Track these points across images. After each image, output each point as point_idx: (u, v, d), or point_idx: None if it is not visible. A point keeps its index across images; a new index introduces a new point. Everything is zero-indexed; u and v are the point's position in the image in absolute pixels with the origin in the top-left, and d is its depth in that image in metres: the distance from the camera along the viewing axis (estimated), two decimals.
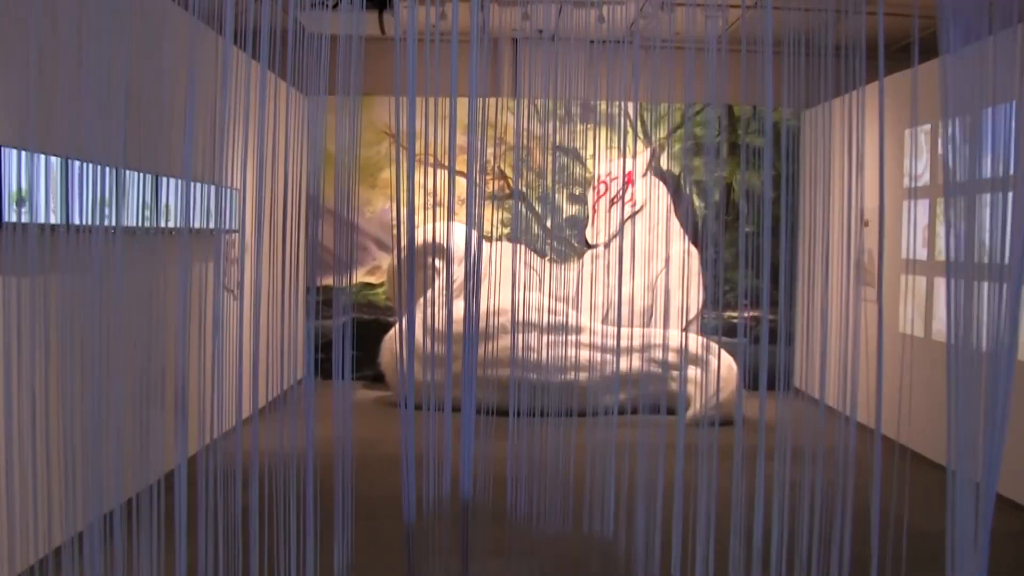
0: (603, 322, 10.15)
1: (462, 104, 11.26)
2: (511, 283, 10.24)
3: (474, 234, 9.87)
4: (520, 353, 8.57)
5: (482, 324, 8.85)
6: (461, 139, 10.67)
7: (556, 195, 10.40)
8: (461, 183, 10.44)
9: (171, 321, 6.23)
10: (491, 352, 8.68)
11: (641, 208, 10.39)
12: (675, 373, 8.84)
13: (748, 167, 10.39)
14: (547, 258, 10.35)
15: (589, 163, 10.39)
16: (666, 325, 10.62)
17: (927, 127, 7.94)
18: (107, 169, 3.73)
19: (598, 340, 8.86)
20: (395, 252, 9.57)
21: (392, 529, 5.41)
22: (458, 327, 8.95)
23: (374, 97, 10.30)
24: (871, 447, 7.92)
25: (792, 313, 10.60)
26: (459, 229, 9.63)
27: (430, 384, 8.76)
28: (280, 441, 7.47)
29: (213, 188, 6.72)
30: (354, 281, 10.42)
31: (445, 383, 8.84)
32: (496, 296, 9.49)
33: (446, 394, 9.04)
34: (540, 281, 10.33)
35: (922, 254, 8.05)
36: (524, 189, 10.39)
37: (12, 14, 5.07)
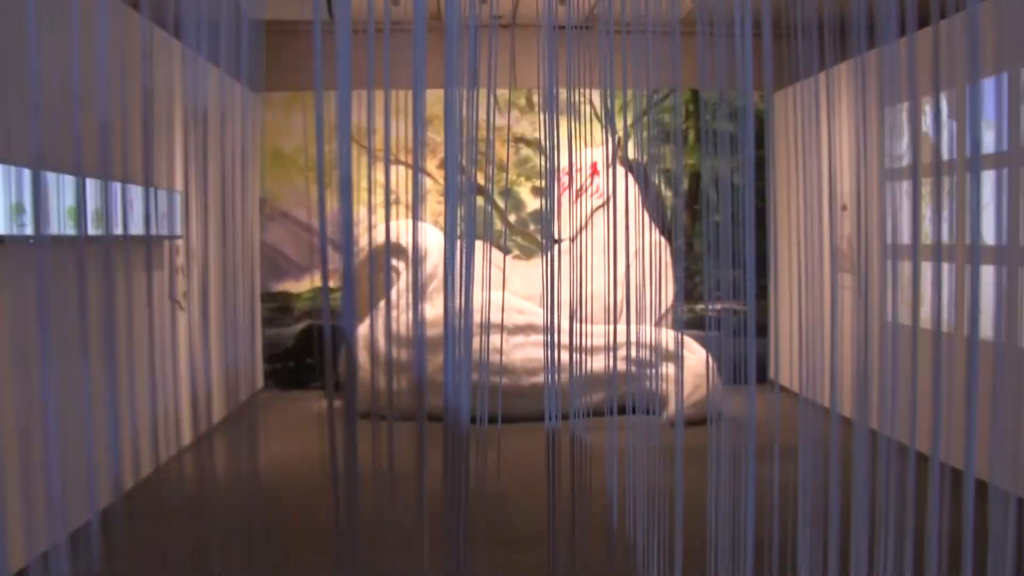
0: (572, 320, 9.98)
1: (421, 97, 10.96)
2: (479, 283, 10.02)
3: (438, 234, 9.62)
4: (487, 356, 8.40)
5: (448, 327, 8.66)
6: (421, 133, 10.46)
7: (518, 189, 10.24)
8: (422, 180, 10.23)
9: (113, 336, 5.99)
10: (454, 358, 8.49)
11: (607, 200, 10.25)
12: (651, 372, 8.71)
13: (715, 153, 10.27)
14: (511, 255, 10.18)
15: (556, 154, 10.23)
16: (639, 320, 10.47)
17: (906, 105, 7.86)
18: (24, 172, 3.50)
19: (567, 339, 8.71)
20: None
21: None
22: (425, 332, 8.72)
23: (326, 91, 10.10)
24: (856, 441, 7.79)
25: (766, 303, 10.51)
26: (416, 227, 9.43)
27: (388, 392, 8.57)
28: (235, 462, 7.19)
29: (150, 191, 6.48)
30: (311, 286, 10.20)
31: (415, 387, 8.65)
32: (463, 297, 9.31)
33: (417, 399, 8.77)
34: (504, 280, 10.16)
35: (906, 238, 7.98)
36: (486, 183, 10.23)
37: None
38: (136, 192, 6.03)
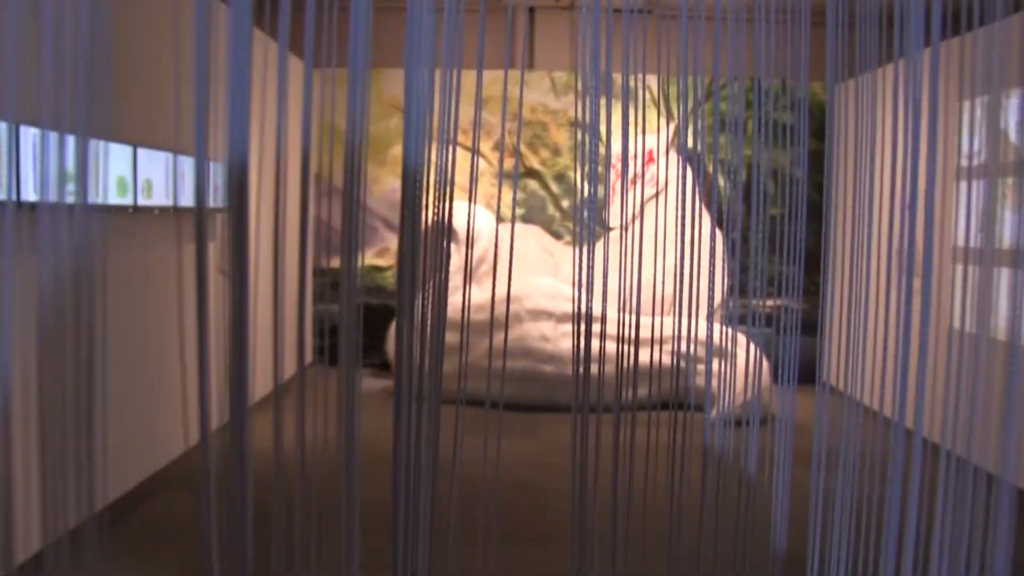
0: (621, 310, 9.98)
1: (473, 77, 11.01)
2: (527, 268, 10.07)
3: (490, 216, 9.67)
4: (533, 344, 8.43)
5: (495, 312, 8.70)
6: (472, 113, 10.50)
7: (575, 174, 10.24)
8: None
9: (159, 309, 6.09)
10: (501, 342, 8.53)
11: (663, 189, 10.23)
12: (699, 367, 8.69)
13: (775, 145, 10.20)
14: (563, 241, 10.20)
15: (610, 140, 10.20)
16: (689, 314, 10.48)
17: (985, 99, 7.73)
18: (68, 137, 3.57)
19: (617, 330, 8.70)
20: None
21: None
22: (473, 314, 8.76)
23: (383, 69, 10.15)
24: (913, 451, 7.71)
25: (819, 302, 10.42)
26: (467, 209, 9.46)
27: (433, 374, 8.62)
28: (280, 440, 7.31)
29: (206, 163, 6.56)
30: (362, 263, 10.29)
31: (457, 372, 8.69)
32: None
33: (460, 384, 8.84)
34: (556, 266, 10.18)
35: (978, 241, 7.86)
36: (540, 167, 10.23)
37: None
38: (188, 164, 6.12)
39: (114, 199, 4.95)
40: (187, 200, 6.09)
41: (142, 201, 5.35)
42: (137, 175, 5.21)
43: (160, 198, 5.66)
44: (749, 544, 5.48)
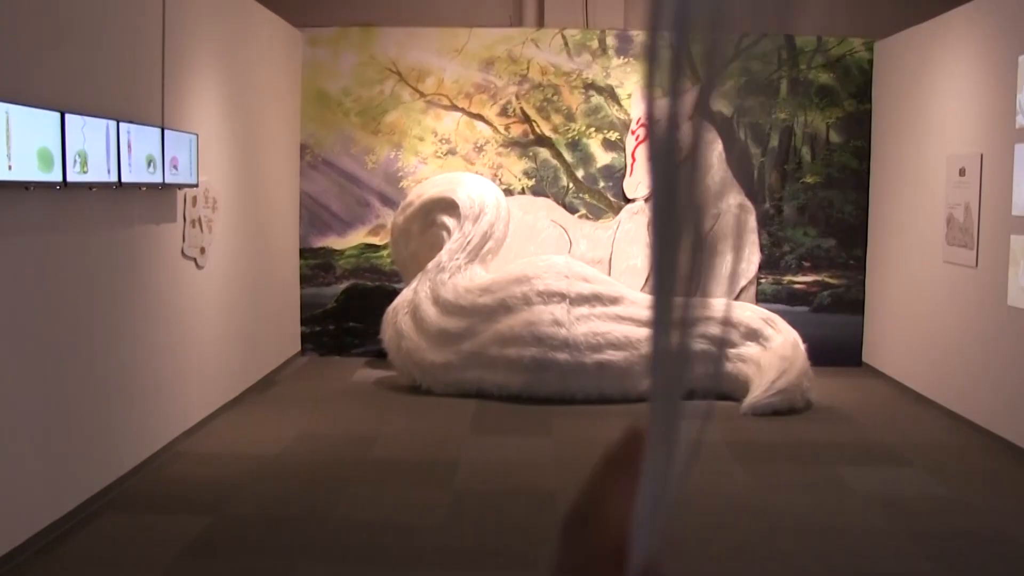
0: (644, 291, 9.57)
1: (478, 36, 10.52)
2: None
3: (495, 189, 9.25)
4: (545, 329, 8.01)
5: (502, 294, 8.29)
6: (477, 76, 10.07)
7: (588, 141, 9.79)
8: (478, 128, 9.84)
9: (119, 295, 5.65)
10: (510, 328, 8.11)
11: (687, 156, 9.74)
12: (731, 352, 8.23)
13: (810, 107, 9.74)
14: (577, 214, 9.76)
15: (626, 103, 9.76)
16: (718, 294, 10.02)
17: None
18: None
19: (639, 313, 8.26)
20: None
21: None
22: (477, 298, 8.39)
23: (376, 28, 9.70)
24: (968, 442, 7.26)
25: (862, 278, 10.00)
26: (471, 180, 9.01)
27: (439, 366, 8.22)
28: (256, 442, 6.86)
29: (165, 133, 6.08)
30: (355, 242, 9.87)
31: (460, 362, 8.30)
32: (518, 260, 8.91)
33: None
34: (570, 242, 9.74)
35: None
36: (551, 134, 9.78)
37: None
38: (138, 133, 5.63)
39: (34, 174, 4.40)
40: (137, 175, 5.62)
41: (74, 176, 4.84)
42: (66, 146, 4.73)
43: (99, 173, 5.15)
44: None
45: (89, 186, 5.08)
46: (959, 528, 5.41)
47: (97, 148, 5.07)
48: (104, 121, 5.15)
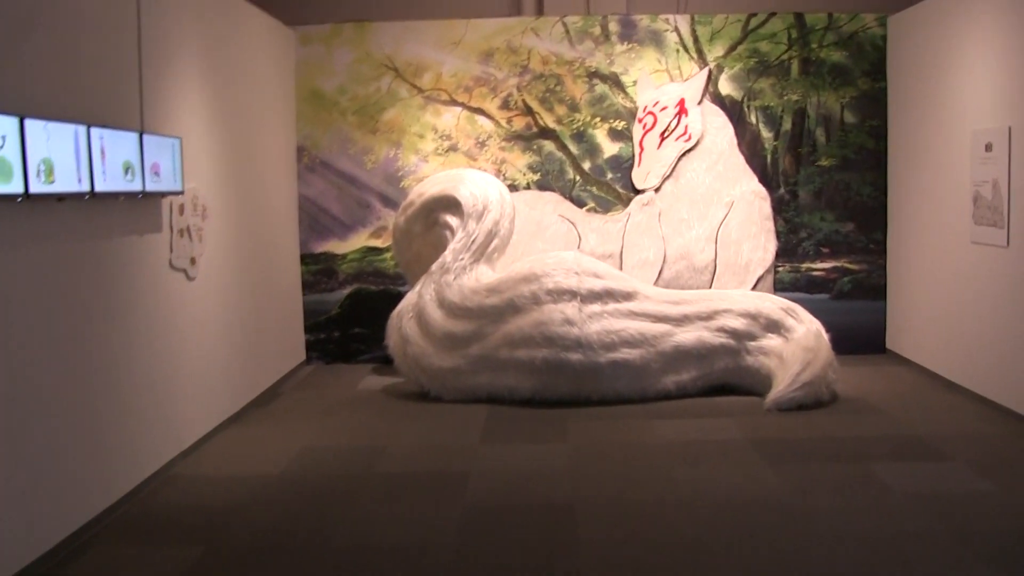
0: (658, 285, 9.23)
1: (476, 27, 10.21)
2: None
3: (499, 185, 8.94)
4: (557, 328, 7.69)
5: (510, 294, 7.97)
6: (476, 69, 9.75)
7: (593, 132, 9.46)
8: (479, 123, 9.52)
9: (72, 323, 5.28)
10: (520, 329, 7.78)
11: (697, 143, 9.43)
12: (752, 345, 7.88)
13: (822, 87, 9.39)
14: (585, 208, 9.44)
15: (632, 91, 9.42)
16: (736, 284, 9.69)
17: None
18: None
19: (654, 308, 7.93)
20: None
21: None
22: (484, 299, 8.06)
23: (370, 23, 9.39)
24: (1008, 431, 6.88)
25: (883, 262, 9.66)
26: (474, 176, 8.68)
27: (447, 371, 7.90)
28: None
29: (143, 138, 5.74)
30: (357, 245, 9.56)
31: (470, 367, 7.99)
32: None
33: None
34: (579, 237, 9.42)
35: None
36: (555, 125, 9.45)
37: None
38: (113, 138, 5.29)
39: None
40: (113, 183, 5.27)
41: (38, 187, 4.48)
42: (27, 154, 4.39)
43: (68, 182, 4.80)
44: None
45: (58, 197, 4.73)
46: (1012, 528, 5.04)
47: (65, 155, 4.72)
48: (72, 126, 4.80)
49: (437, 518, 5.39)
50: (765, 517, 5.27)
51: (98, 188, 5.08)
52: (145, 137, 5.66)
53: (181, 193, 6.22)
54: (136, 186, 5.54)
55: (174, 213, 6.34)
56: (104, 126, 5.23)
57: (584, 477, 6.01)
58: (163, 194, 5.99)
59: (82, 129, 4.93)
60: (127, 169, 5.43)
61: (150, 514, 5.53)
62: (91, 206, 5.25)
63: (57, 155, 4.63)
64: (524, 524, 5.29)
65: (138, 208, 5.86)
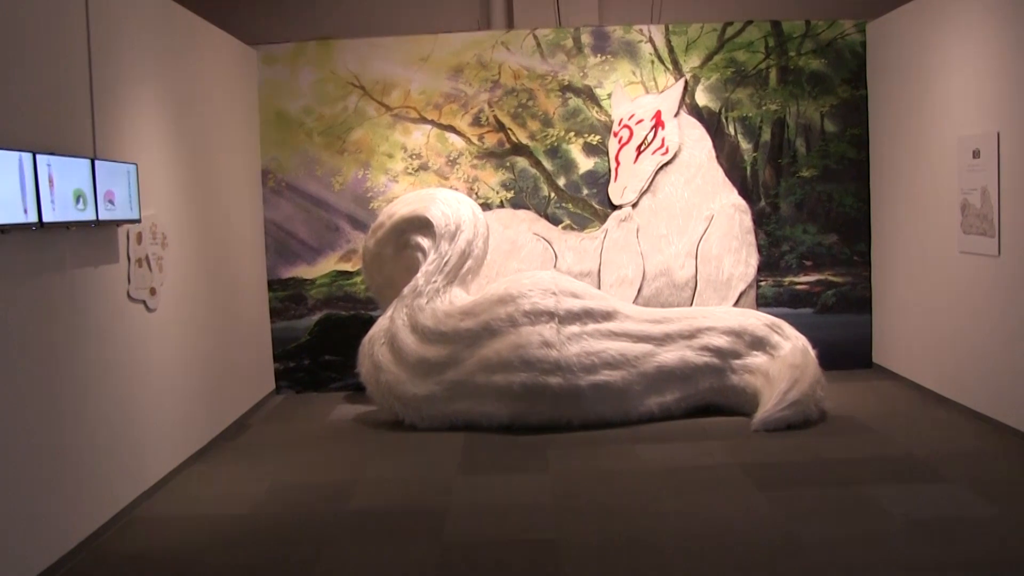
0: (637, 303, 8.98)
1: (444, 43, 9.97)
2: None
3: (472, 204, 8.68)
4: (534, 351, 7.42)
5: (486, 317, 7.70)
6: (446, 85, 9.50)
7: (568, 147, 9.22)
8: (450, 140, 9.27)
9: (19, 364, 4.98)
10: (497, 353, 7.51)
11: (675, 156, 9.20)
12: (736, 363, 7.65)
13: (801, 96, 9.20)
14: (561, 226, 9.19)
15: (606, 104, 9.19)
16: (718, 300, 9.45)
17: None
18: None
19: (635, 327, 7.69)
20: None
21: None
22: (459, 323, 7.79)
23: (334, 41, 9.13)
24: (1005, 447, 6.62)
25: (867, 274, 9.45)
26: (445, 196, 8.41)
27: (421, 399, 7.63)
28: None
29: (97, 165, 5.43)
30: (326, 270, 9.28)
31: (445, 393, 7.71)
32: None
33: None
34: (555, 255, 9.17)
35: None
36: (528, 141, 9.21)
37: None
38: (64, 166, 5.00)
39: None
40: (62, 213, 4.96)
41: None
42: None
43: (12, 213, 4.50)
44: None
45: (0, 229, 4.45)
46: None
47: (9, 185, 4.43)
48: (16, 153, 4.52)
49: (414, 558, 5.10)
50: (761, 551, 5.00)
51: (46, 218, 4.78)
52: (98, 164, 5.37)
53: (138, 221, 5.92)
54: (89, 215, 5.23)
55: (131, 242, 6.04)
56: (52, 153, 4.94)
57: (567, 510, 5.72)
58: (119, 223, 5.68)
59: (27, 156, 4.64)
60: (78, 198, 5.13)
61: (110, 561, 5.22)
62: (40, 237, 4.95)
63: None
64: (506, 562, 5.01)
65: (92, 238, 5.55)
